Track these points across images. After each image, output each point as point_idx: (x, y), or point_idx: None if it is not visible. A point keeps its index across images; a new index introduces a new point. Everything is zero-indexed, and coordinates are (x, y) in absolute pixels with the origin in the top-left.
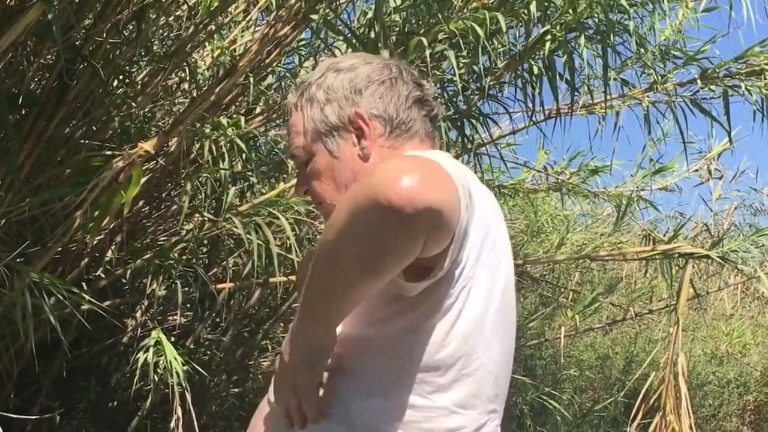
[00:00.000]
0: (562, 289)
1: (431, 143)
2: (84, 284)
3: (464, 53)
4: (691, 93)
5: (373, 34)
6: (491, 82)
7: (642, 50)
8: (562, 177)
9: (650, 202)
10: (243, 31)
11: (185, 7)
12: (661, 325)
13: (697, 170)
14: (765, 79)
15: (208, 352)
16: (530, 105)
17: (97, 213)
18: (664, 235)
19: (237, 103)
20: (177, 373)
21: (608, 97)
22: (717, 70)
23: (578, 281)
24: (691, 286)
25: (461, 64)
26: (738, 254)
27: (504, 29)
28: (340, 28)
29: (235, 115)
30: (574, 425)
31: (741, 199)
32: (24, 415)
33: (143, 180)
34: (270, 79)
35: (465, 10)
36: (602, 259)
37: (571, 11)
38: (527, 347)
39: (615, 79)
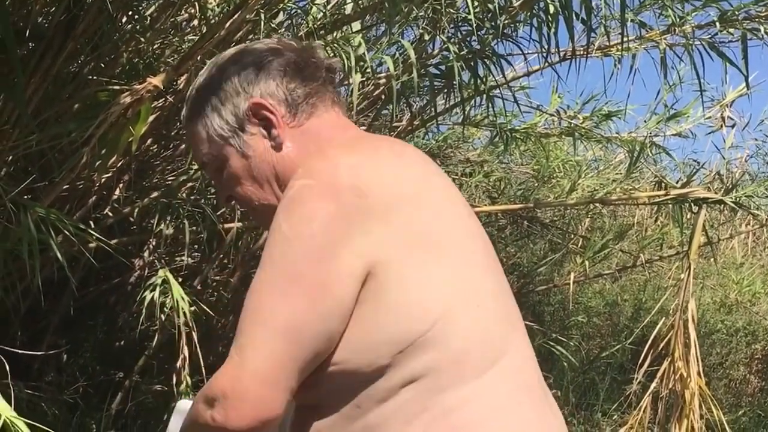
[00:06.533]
0: (572, 235)
1: (339, 110)
2: (91, 222)
3: None
4: (709, 36)
5: None
6: (506, 21)
7: None
8: (575, 121)
9: (663, 148)
10: None
11: None
12: (670, 272)
13: (709, 117)
14: None
15: (215, 293)
16: (545, 45)
17: (105, 149)
18: (677, 182)
19: (248, 41)
20: (184, 312)
21: (625, 38)
22: (736, 13)
23: (588, 227)
24: (703, 233)
25: (476, 2)
26: (752, 200)
27: None
28: None
29: None
30: (581, 371)
31: (756, 147)
32: (31, 351)
33: (151, 118)
34: (281, 17)
35: None
36: (614, 203)
37: None
38: (536, 293)
39: (632, 20)
